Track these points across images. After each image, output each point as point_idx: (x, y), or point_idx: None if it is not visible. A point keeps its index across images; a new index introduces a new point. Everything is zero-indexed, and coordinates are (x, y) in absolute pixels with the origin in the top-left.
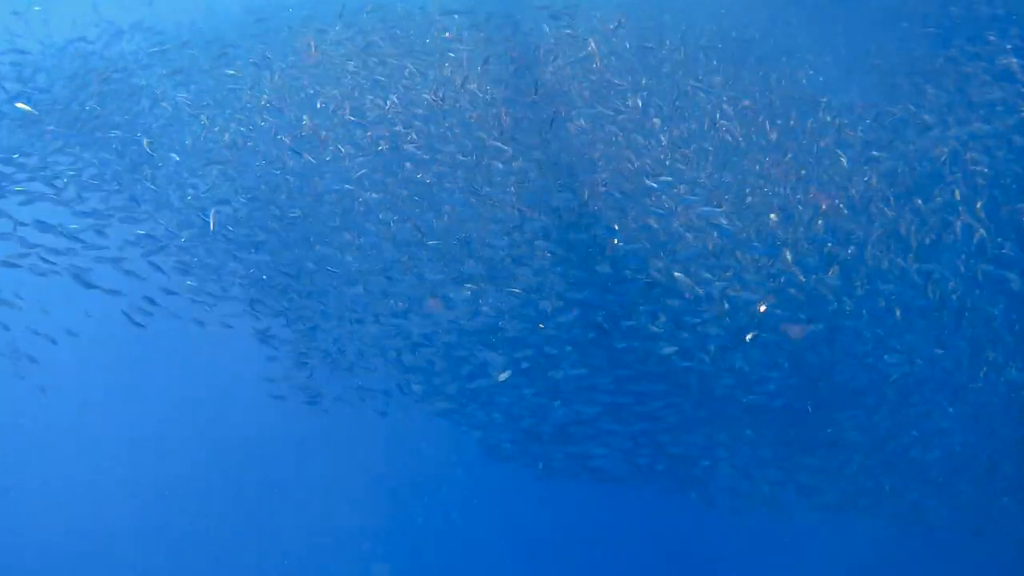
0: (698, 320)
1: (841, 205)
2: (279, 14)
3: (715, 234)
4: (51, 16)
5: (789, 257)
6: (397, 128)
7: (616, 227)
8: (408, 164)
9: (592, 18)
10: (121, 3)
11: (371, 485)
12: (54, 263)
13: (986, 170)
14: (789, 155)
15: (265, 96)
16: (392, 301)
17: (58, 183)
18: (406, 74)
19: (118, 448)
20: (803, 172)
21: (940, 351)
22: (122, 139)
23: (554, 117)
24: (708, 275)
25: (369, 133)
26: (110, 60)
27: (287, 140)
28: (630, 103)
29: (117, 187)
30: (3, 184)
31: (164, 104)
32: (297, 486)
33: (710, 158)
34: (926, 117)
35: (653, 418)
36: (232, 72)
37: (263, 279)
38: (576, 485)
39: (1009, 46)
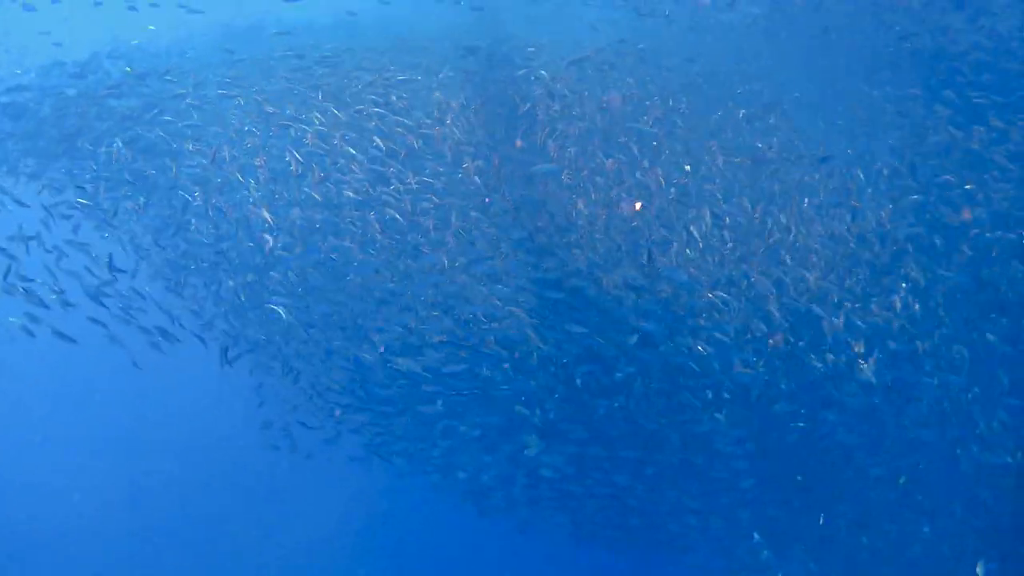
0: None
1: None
2: (256, 46)
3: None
4: (33, 41)
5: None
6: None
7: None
8: (386, 207)
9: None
10: (100, 28)
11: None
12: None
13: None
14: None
15: (241, 129)
16: (360, 352)
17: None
18: (382, 112)
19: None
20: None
21: (933, 428)
22: (96, 166)
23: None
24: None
25: (352, 175)
26: (90, 85)
27: (262, 176)
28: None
29: (87, 214)
30: None
31: (140, 131)
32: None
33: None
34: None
35: (632, 482)
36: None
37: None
38: (561, 546)
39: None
